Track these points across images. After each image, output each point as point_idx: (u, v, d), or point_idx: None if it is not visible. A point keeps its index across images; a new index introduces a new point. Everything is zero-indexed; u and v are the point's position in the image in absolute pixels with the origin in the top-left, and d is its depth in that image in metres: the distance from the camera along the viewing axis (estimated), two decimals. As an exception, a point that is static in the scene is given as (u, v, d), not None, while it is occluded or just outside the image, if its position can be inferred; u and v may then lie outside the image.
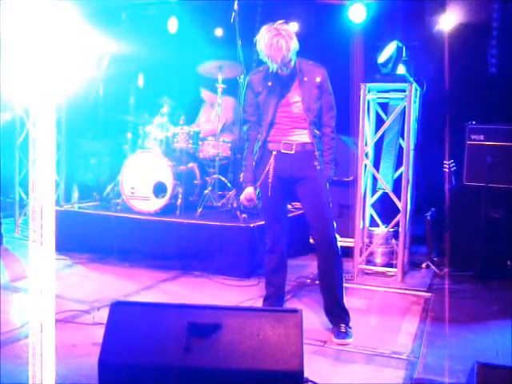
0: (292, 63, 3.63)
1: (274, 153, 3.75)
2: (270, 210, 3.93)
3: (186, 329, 2.47)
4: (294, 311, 2.57)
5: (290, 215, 5.19)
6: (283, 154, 3.73)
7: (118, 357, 2.42)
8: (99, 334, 3.02)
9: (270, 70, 3.64)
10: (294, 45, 3.57)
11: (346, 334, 3.68)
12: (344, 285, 3.93)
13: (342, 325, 3.74)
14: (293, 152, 3.72)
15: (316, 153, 3.73)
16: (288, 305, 4.36)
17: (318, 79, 3.72)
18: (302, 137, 3.73)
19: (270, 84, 3.73)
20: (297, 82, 3.72)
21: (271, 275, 3.98)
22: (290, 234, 4.01)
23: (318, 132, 3.76)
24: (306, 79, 3.71)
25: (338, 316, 3.81)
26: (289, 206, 5.87)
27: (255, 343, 2.43)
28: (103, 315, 3.72)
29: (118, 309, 2.61)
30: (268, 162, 3.77)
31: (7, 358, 3.21)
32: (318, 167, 3.73)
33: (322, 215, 3.75)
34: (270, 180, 3.76)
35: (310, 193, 3.78)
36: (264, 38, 3.54)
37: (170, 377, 2.39)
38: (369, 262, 5.62)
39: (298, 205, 5.85)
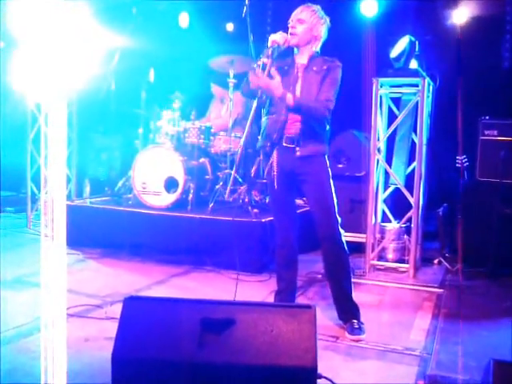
0: (307, 47, 3.72)
1: (277, 146, 3.72)
2: (276, 205, 3.92)
3: (199, 324, 2.46)
4: (308, 307, 2.55)
5: (301, 210, 5.19)
6: (285, 147, 3.69)
7: (132, 352, 2.42)
8: (111, 328, 3.04)
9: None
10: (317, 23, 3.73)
11: (359, 330, 3.67)
12: (353, 280, 3.91)
13: (354, 321, 3.73)
14: (294, 146, 3.68)
15: (301, 140, 3.66)
16: (299, 300, 4.36)
17: (325, 67, 3.69)
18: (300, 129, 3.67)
19: (286, 68, 3.73)
20: (304, 70, 3.72)
21: (282, 270, 3.97)
22: (300, 229, 3.98)
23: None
24: (314, 68, 3.70)
25: (349, 312, 3.79)
26: (300, 202, 5.86)
27: (268, 339, 2.42)
28: (115, 310, 3.75)
29: (131, 304, 2.61)
30: (271, 156, 3.74)
31: (20, 352, 3.23)
32: (299, 153, 3.64)
33: (325, 212, 3.72)
34: (274, 173, 3.73)
35: (312, 187, 3.75)
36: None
37: (183, 372, 2.39)
38: (381, 257, 5.60)
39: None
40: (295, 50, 3.78)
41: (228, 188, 6.02)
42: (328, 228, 3.73)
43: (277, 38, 3.61)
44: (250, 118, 3.71)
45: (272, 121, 3.74)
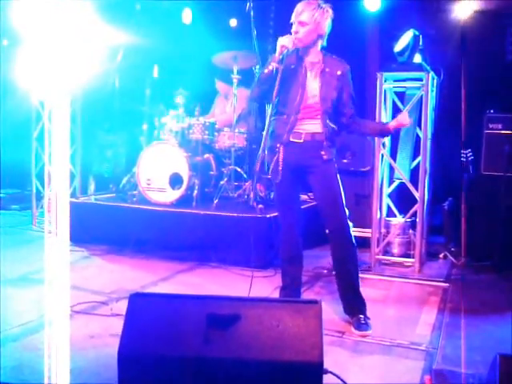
0: (314, 46, 3.68)
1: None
2: (281, 200, 3.91)
3: (205, 320, 2.46)
4: (314, 302, 2.55)
5: (306, 205, 5.19)
6: (291, 142, 3.69)
7: (138, 348, 2.42)
8: (117, 325, 3.04)
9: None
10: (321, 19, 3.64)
11: (366, 326, 3.67)
12: (360, 275, 3.90)
13: (361, 316, 3.72)
14: (301, 141, 3.68)
15: (324, 143, 3.67)
16: (305, 295, 4.36)
17: (339, 72, 3.70)
18: (313, 126, 3.67)
19: (292, 67, 3.71)
20: (318, 71, 3.70)
21: (287, 266, 3.97)
22: (306, 224, 3.98)
23: (330, 123, 3.70)
24: (327, 70, 3.69)
25: (355, 307, 3.79)
26: (305, 197, 5.86)
27: (274, 334, 2.42)
28: (121, 306, 3.75)
29: (137, 300, 2.61)
30: (277, 150, 3.73)
31: (26, 350, 3.23)
32: (325, 157, 3.67)
33: (334, 204, 3.72)
34: (279, 168, 3.73)
35: (320, 182, 3.75)
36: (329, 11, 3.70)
37: (189, 368, 2.39)
38: (386, 252, 5.59)
39: (314, 195, 5.82)
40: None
41: (253, 186, 5.97)
42: (336, 221, 3.73)
43: (285, 42, 3.57)
44: (266, 121, 3.73)
45: (281, 122, 3.72)
